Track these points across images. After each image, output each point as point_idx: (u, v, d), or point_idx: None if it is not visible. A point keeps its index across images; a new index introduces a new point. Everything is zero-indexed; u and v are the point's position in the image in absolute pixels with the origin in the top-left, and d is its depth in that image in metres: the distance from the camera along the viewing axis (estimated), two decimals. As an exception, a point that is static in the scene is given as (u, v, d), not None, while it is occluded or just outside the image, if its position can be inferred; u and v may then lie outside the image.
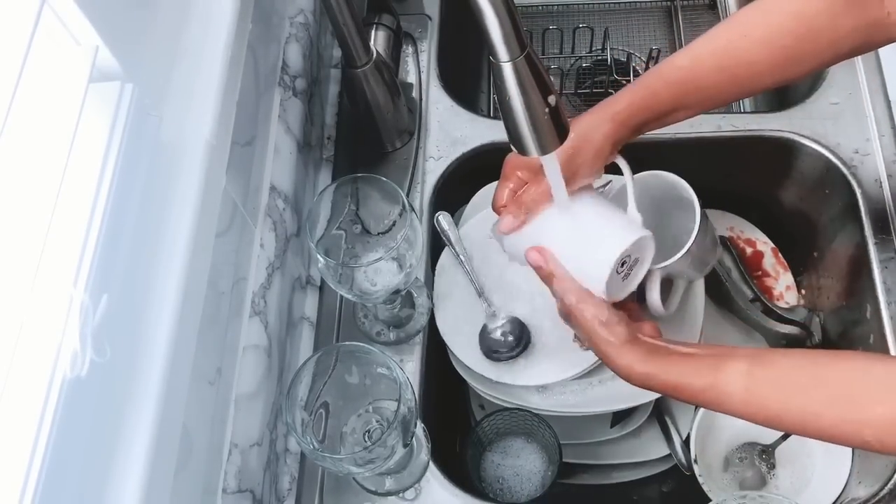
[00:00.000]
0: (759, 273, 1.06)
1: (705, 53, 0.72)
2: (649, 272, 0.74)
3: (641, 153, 0.75)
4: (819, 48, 0.69)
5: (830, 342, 0.98)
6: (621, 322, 0.68)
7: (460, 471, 0.89)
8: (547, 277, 0.71)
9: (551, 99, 0.60)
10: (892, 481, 0.82)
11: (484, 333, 0.87)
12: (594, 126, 0.71)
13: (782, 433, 0.90)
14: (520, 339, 0.87)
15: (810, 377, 0.62)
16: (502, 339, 0.87)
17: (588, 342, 0.70)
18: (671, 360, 0.66)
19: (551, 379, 0.85)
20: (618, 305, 0.71)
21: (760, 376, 0.63)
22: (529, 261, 0.71)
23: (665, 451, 0.95)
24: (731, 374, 0.63)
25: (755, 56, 0.70)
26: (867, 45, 0.70)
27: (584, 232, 0.71)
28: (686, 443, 0.92)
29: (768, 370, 0.63)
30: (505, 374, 0.86)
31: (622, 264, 0.70)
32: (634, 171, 0.76)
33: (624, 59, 1.23)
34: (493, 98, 1.28)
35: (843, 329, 0.97)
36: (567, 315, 0.71)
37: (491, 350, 0.87)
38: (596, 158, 0.71)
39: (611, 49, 1.26)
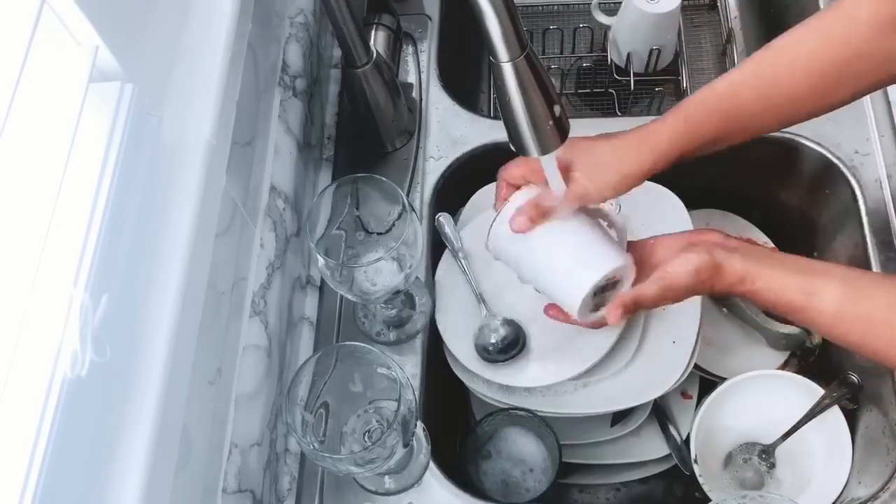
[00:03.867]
0: (759, 273, 1.06)
1: (745, 80, 0.72)
2: None
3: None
4: (863, 72, 0.69)
5: (830, 342, 0.98)
6: (699, 256, 0.68)
7: (460, 471, 0.89)
8: (633, 306, 0.71)
9: (551, 99, 0.60)
10: (892, 481, 0.82)
11: (481, 335, 0.87)
12: (631, 153, 0.71)
13: (782, 433, 0.90)
14: (516, 341, 0.87)
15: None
16: (499, 340, 0.87)
17: (690, 295, 0.71)
18: (768, 276, 0.67)
19: (549, 381, 0.85)
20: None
21: (850, 304, 0.65)
22: (618, 317, 0.71)
23: (665, 451, 0.95)
24: (824, 298, 0.65)
25: (796, 82, 0.70)
26: None
27: (567, 253, 0.72)
28: (686, 443, 0.92)
29: (859, 300, 0.65)
30: (502, 375, 0.86)
31: (601, 289, 0.72)
32: None
33: (624, 59, 1.23)
34: (493, 98, 1.28)
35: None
36: (663, 299, 0.72)
37: (488, 351, 0.87)
38: (621, 183, 0.71)
39: (611, 49, 1.26)
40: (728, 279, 0.68)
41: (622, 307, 0.70)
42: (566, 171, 0.71)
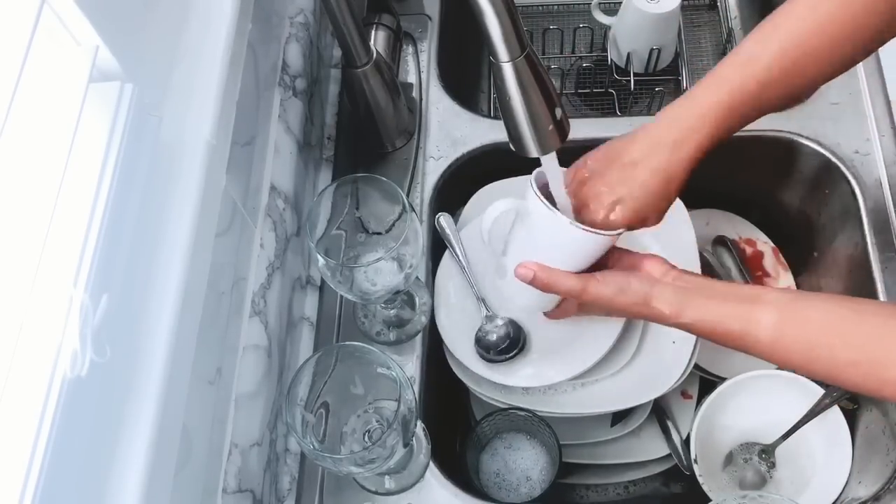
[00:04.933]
0: (759, 273, 1.06)
1: (796, 13, 0.68)
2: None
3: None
4: (867, 25, 0.66)
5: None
6: (631, 279, 0.69)
7: (460, 471, 0.89)
8: (544, 285, 0.71)
9: (552, 100, 0.60)
10: (892, 481, 0.82)
11: (481, 335, 0.87)
12: (685, 135, 0.68)
13: (782, 433, 0.90)
14: (516, 341, 0.87)
15: (838, 337, 0.63)
16: (499, 340, 0.87)
17: (617, 314, 0.72)
18: (702, 306, 0.67)
19: (549, 381, 0.85)
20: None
21: (788, 329, 0.64)
22: (519, 277, 0.71)
23: (665, 451, 0.95)
24: (761, 325, 0.64)
25: (843, 13, 0.66)
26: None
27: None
28: (686, 443, 0.92)
29: (796, 324, 0.64)
30: (502, 375, 0.86)
31: None
32: None
33: (624, 58, 1.23)
34: (493, 98, 1.28)
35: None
36: (582, 305, 0.72)
37: (488, 351, 0.87)
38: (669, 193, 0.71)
39: (611, 49, 1.26)
40: (658, 311, 0.68)
41: (533, 271, 0.70)
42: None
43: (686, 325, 0.69)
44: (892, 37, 0.69)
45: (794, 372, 0.67)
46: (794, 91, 0.70)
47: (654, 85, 1.22)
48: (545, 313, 0.80)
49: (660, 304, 0.68)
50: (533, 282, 0.71)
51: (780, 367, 0.67)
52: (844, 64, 0.71)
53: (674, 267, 0.71)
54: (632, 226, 0.71)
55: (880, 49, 0.76)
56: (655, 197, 0.70)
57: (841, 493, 0.86)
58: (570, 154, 0.71)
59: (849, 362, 0.62)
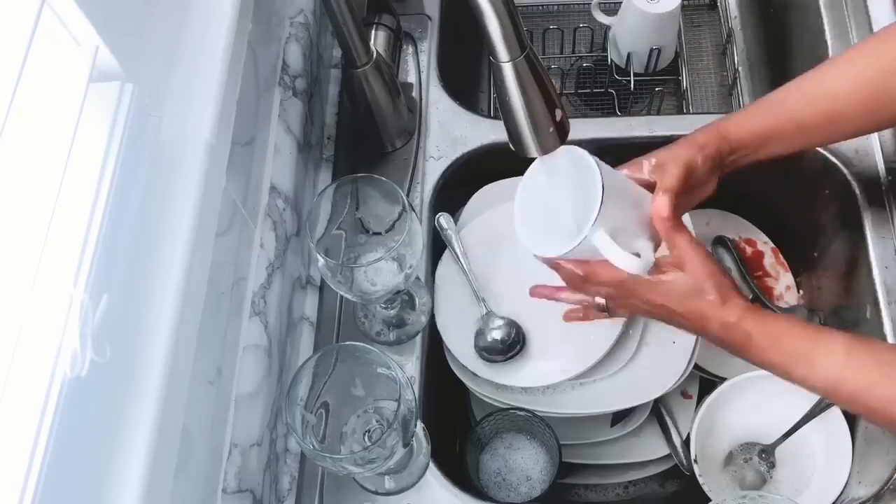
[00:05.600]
0: (760, 273, 1.06)
1: (798, 87, 0.74)
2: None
3: (642, 153, 0.75)
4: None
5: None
6: (701, 287, 0.68)
7: (460, 471, 0.89)
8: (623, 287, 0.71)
9: (552, 100, 0.60)
10: (892, 481, 0.82)
11: (481, 334, 0.88)
12: (693, 160, 0.71)
13: (782, 433, 0.90)
14: (515, 342, 0.87)
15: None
16: (498, 340, 0.87)
17: (673, 322, 0.71)
18: (768, 320, 0.67)
19: (548, 381, 0.85)
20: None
21: (856, 366, 0.64)
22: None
23: (665, 451, 0.95)
24: (828, 357, 0.64)
25: (847, 92, 0.72)
26: None
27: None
28: (686, 443, 0.92)
29: (865, 348, 0.65)
30: (502, 375, 0.86)
31: None
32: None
33: (624, 58, 1.23)
34: (493, 98, 1.28)
35: (843, 329, 0.97)
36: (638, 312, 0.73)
37: (487, 351, 0.87)
38: (702, 189, 0.74)
39: (611, 49, 1.26)
40: (728, 311, 0.67)
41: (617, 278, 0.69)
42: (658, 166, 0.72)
43: (747, 335, 0.67)
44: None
45: (850, 409, 0.68)
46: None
47: (654, 85, 1.22)
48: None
49: (734, 302, 0.67)
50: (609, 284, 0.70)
51: (834, 402, 0.67)
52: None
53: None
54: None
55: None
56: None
57: (841, 493, 0.86)
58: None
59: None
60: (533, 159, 0.67)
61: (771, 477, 0.92)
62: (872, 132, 0.74)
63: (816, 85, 0.73)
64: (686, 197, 0.72)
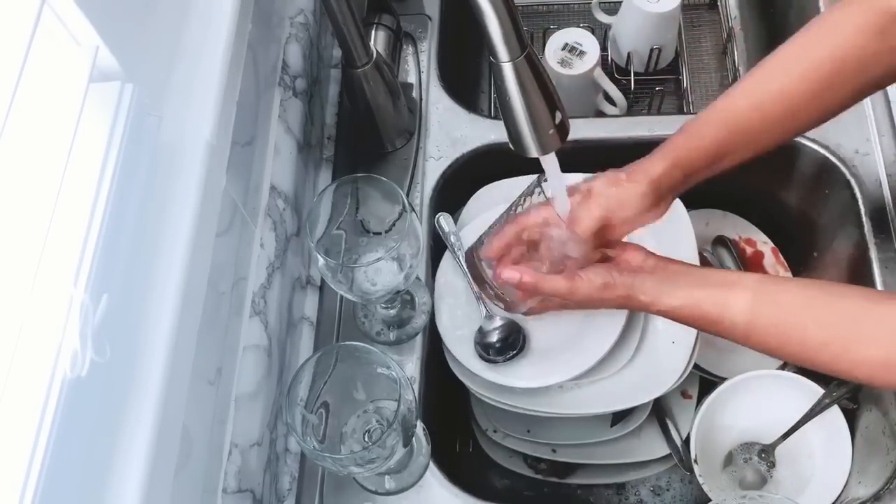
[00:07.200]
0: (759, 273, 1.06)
1: (742, 93, 0.73)
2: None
3: (641, 153, 0.75)
4: (849, 75, 0.70)
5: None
6: (612, 273, 0.71)
7: (461, 468, 0.89)
8: (532, 288, 0.73)
9: (552, 100, 0.60)
10: (892, 481, 0.82)
11: (481, 335, 0.87)
12: (632, 195, 0.72)
13: (782, 433, 0.90)
14: (516, 342, 0.87)
15: (810, 318, 0.65)
16: (498, 340, 0.87)
17: (605, 307, 0.73)
18: (679, 294, 0.69)
19: (548, 381, 0.85)
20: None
21: (761, 312, 0.66)
22: (506, 281, 0.74)
23: (665, 451, 0.95)
24: (735, 308, 0.66)
25: (792, 90, 0.71)
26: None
27: None
28: (686, 443, 0.92)
29: (769, 306, 0.66)
30: (502, 375, 0.86)
31: None
32: None
33: (624, 58, 1.23)
34: (494, 98, 1.28)
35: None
36: (574, 303, 0.74)
37: (487, 351, 0.87)
38: (636, 220, 0.74)
39: (611, 49, 1.26)
40: (639, 301, 0.70)
41: (521, 281, 0.72)
42: (587, 196, 0.73)
43: (665, 312, 0.70)
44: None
45: (771, 355, 0.69)
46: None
47: (655, 84, 1.22)
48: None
49: (641, 294, 0.70)
50: (519, 285, 0.72)
51: (760, 350, 0.69)
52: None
53: (651, 254, 0.72)
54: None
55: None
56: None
57: (841, 493, 0.86)
58: (571, 153, 0.71)
59: (821, 342, 0.63)
60: (535, 159, 0.66)
61: (771, 477, 0.92)
62: (822, 123, 0.75)
63: (763, 87, 0.72)
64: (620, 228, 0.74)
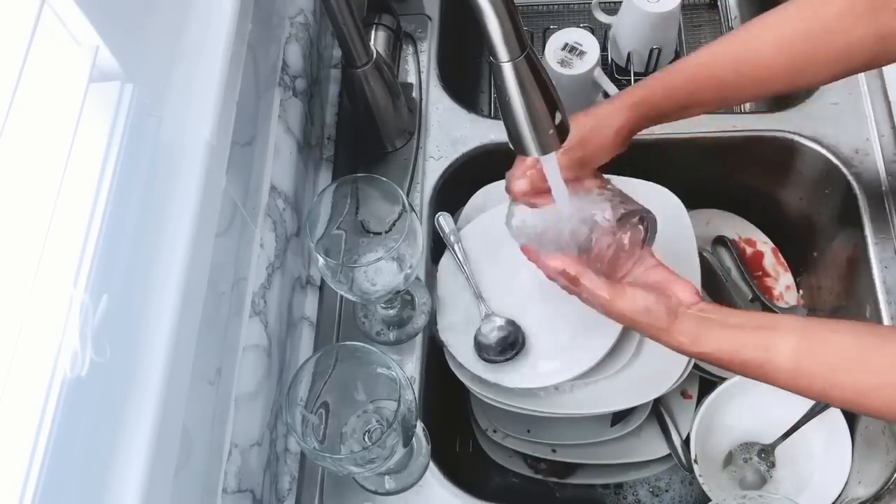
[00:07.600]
0: (759, 273, 1.06)
1: (723, 52, 0.74)
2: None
3: (642, 153, 0.75)
4: (832, 54, 0.71)
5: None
6: (660, 302, 0.68)
7: (461, 468, 0.89)
8: (571, 280, 0.70)
9: (552, 100, 0.60)
10: (892, 481, 0.82)
11: (481, 335, 0.87)
12: (611, 114, 0.73)
13: (782, 433, 0.90)
14: (516, 342, 0.87)
15: (858, 361, 0.62)
16: (498, 340, 0.87)
17: (635, 330, 0.72)
18: (720, 337, 0.67)
19: (548, 381, 0.85)
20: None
21: (808, 355, 0.64)
22: (550, 277, 0.72)
23: (665, 451, 0.95)
24: (780, 352, 0.64)
25: (770, 58, 0.72)
26: (881, 57, 0.71)
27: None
28: (686, 443, 0.92)
29: (817, 349, 0.64)
30: (502, 375, 0.86)
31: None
32: (630, 173, 0.76)
33: (624, 58, 1.23)
34: (494, 98, 1.28)
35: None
36: (607, 313, 0.72)
37: (487, 352, 0.86)
38: (611, 145, 0.73)
39: (611, 49, 1.26)
40: (677, 341, 0.68)
41: (563, 269, 0.70)
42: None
43: (705, 356, 0.68)
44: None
45: (815, 400, 0.67)
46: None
47: (654, 85, 1.22)
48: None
49: (680, 333, 0.67)
50: (563, 274, 0.70)
51: (805, 395, 0.66)
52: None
53: (699, 296, 0.70)
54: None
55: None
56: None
57: (841, 493, 0.86)
58: (570, 154, 0.71)
59: (873, 387, 0.61)
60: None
61: (771, 477, 0.92)
62: (788, 94, 0.76)
63: (741, 50, 0.73)
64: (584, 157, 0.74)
